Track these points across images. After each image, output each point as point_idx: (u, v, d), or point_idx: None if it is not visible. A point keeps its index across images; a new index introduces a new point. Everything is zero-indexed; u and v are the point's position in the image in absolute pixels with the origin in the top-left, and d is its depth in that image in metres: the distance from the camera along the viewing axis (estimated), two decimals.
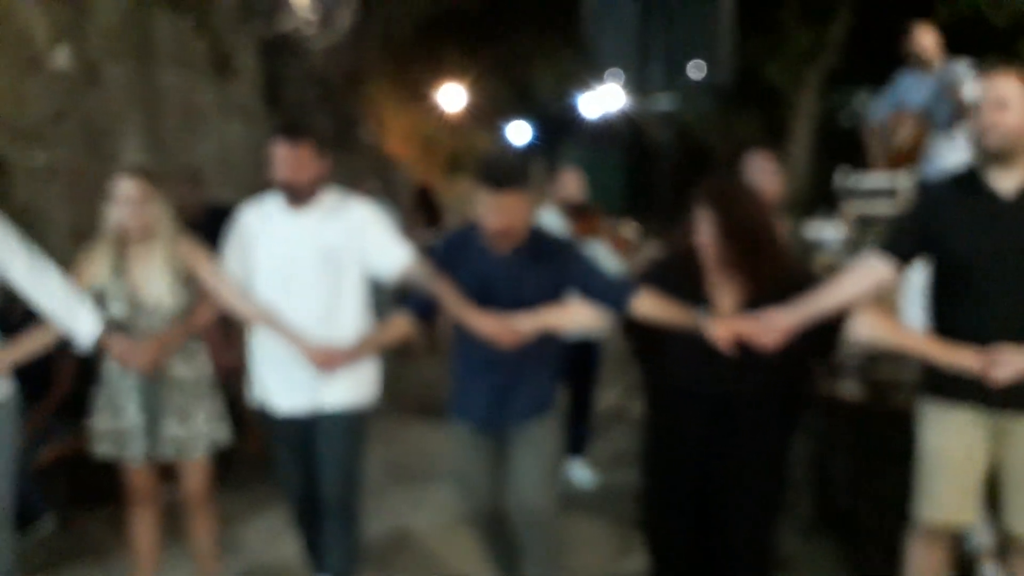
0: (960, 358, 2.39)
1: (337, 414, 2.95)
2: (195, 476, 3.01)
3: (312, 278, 2.86)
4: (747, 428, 2.63)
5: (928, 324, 2.59)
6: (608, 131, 19.05)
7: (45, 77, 6.14)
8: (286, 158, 2.79)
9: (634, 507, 4.14)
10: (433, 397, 6.20)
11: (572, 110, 17.54)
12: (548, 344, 2.81)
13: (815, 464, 4.14)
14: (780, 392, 2.67)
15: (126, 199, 2.81)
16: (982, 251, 2.42)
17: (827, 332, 2.58)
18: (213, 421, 3.01)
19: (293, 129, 2.88)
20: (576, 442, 4.59)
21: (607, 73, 4.58)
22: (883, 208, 5.09)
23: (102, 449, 2.92)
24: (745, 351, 2.48)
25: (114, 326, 2.82)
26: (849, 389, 3.65)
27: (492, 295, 2.70)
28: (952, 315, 2.50)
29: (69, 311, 2.71)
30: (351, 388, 2.97)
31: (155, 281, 2.85)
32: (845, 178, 5.28)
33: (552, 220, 4.54)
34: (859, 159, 5.41)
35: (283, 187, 2.84)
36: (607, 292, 2.73)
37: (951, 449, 2.48)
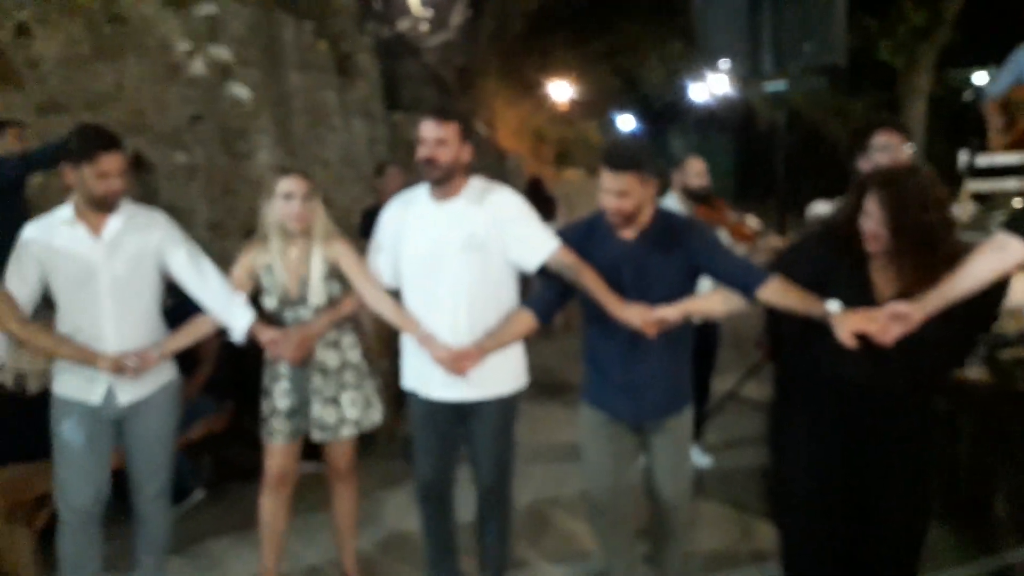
0: None
1: (489, 402, 2.88)
2: (340, 455, 3.08)
3: (458, 265, 2.76)
4: (897, 425, 2.39)
5: None
6: (717, 117, 18.55)
7: (183, 83, 6.42)
8: (431, 136, 2.71)
9: (750, 491, 4.03)
10: (554, 378, 6.19)
11: (681, 98, 17.15)
12: (684, 334, 2.72)
13: (940, 449, 3.89)
14: (929, 386, 2.44)
15: (290, 195, 2.87)
16: None
17: (981, 313, 2.35)
18: (359, 406, 3.04)
19: (441, 109, 2.81)
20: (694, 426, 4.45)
21: (717, 59, 4.43)
22: (1011, 185, 4.71)
23: (263, 430, 3.02)
24: (898, 343, 2.23)
25: (266, 318, 2.93)
26: (974, 372, 3.39)
27: (621, 281, 2.62)
28: None
29: (225, 304, 2.87)
30: (501, 377, 2.89)
31: (308, 276, 2.92)
32: (969, 156, 4.90)
33: (674, 207, 4.43)
34: (975, 137, 5.01)
35: (425, 166, 2.73)
36: (737, 274, 2.59)
37: None
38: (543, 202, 7.52)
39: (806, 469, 2.49)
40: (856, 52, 11.71)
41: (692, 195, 4.43)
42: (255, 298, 2.98)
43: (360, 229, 6.73)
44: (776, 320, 2.61)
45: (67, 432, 2.78)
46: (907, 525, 2.44)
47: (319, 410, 2.97)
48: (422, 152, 2.72)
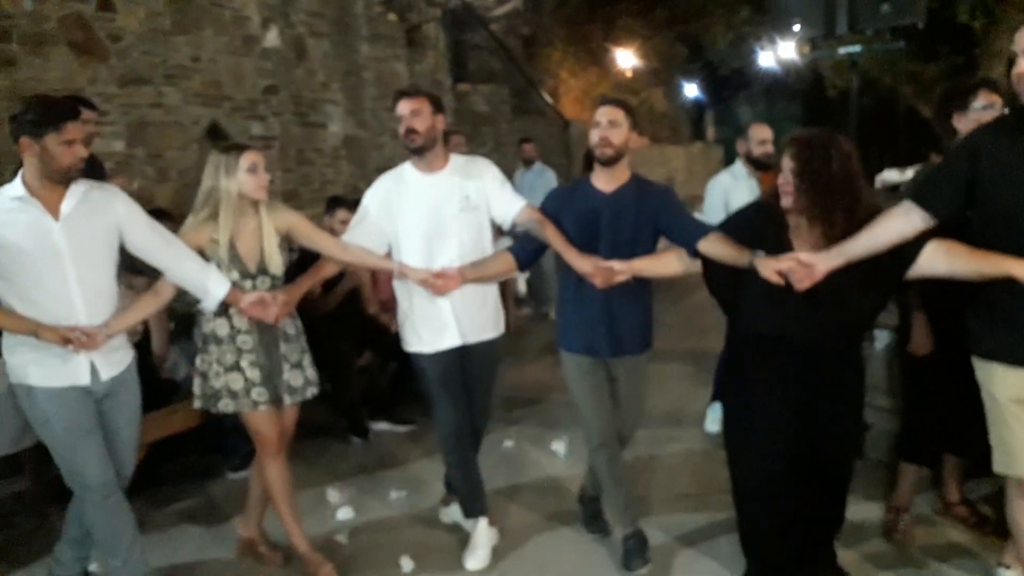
0: None
1: (481, 345, 3.15)
2: (289, 418, 3.09)
3: (458, 226, 3.05)
4: (832, 374, 2.60)
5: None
6: (785, 84, 17.92)
7: (258, 55, 6.46)
8: (407, 110, 2.98)
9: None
10: None
11: (747, 65, 16.61)
12: (642, 286, 3.00)
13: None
14: (854, 337, 2.67)
15: (254, 168, 2.86)
16: (1020, 189, 2.25)
17: (892, 273, 2.48)
18: (313, 368, 3.11)
19: (409, 88, 3.13)
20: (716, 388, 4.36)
21: (789, 22, 4.24)
22: None
23: (221, 405, 2.95)
24: (816, 293, 2.45)
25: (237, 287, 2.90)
26: None
27: (598, 226, 2.94)
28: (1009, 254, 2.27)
29: (200, 273, 2.81)
30: (488, 322, 3.18)
31: (264, 247, 2.91)
32: None
33: (740, 173, 4.29)
34: None
35: (406, 136, 2.99)
36: (684, 232, 2.89)
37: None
38: None
39: (757, 418, 2.67)
40: (934, 14, 11.13)
41: (756, 163, 4.28)
42: None
43: None
44: (714, 283, 2.82)
45: (68, 417, 2.64)
46: (841, 459, 2.72)
47: (288, 374, 3.00)
48: (401, 128, 3.00)
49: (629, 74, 14.36)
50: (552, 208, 3.08)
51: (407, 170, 3.12)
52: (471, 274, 3.04)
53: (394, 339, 4.64)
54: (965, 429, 2.84)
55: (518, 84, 10.67)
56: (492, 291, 3.22)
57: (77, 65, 5.02)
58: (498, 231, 3.45)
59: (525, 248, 3.13)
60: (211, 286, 2.81)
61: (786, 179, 2.51)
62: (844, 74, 10.97)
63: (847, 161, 2.47)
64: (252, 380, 2.94)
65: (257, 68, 6.43)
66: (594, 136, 2.93)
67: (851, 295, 2.48)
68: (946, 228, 2.40)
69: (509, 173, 7.72)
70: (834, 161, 2.45)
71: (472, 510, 3.25)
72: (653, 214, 2.95)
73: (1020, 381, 2.35)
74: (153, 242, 2.77)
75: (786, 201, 2.53)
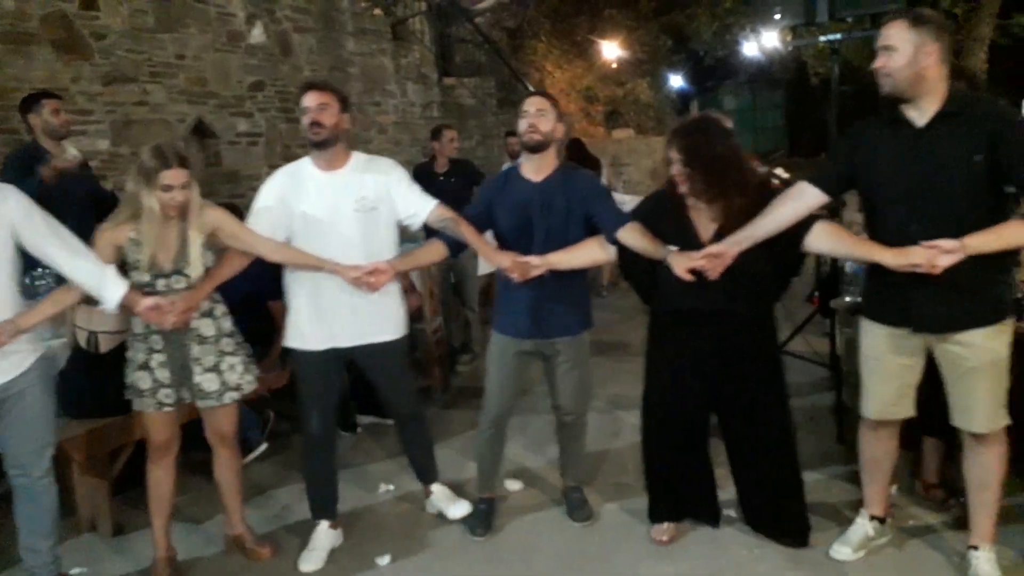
0: (910, 256, 2.44)
1: (375, 347, 3.09)
2: (222, 420, 3.02)
3: (352, 226, 2.97)
4: (744, 341, 2.86)
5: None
6: (768, 73, 17.92)
7: (243, 51, 6.40)
8: (314, 103, 2.91)
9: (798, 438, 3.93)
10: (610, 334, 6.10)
11: (731, 54, 16.58)
12: (575, 275, 3.07)
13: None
14: (762, 306, 2.90)
15: (169, 188, 2.72)
16: (896, 175, 2.52)
17: (789, 248, 2.74)
18: (239, 371, 2.98)
19: (318, 82, 3.04)
20: None
21: (770, 10, 4.22)
22: None
23: (134, 403, 2.91)
24: (729, 272, 2.67)
25: (140, 289, 2.78)
26: None
27: (531, 216, 3.00)
28: (881, 238, 2.58)
29: (97, 274, 2.70)
30: (385, 325, 3.11)
31: (186, 248, 2.81)
32: None
33: None
34: None
35: (311, 129, 2.91)
36: (606, 221, 2.96)
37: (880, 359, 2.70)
38: (586, 162, 7.42)
39: (674, 387, 2.94)
40: (914, 1, 11.13)
41: None
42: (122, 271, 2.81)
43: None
44: (627, 267, 3.01)
45: None
46: (768, 419, 2.95)
47: (200, 378, 2.90)
48: (306, 119, 2.92)
49: (614, 65, 14.31)
50: (485, 200, 3.15)
51: (305, 166, 3.04)
52: (402, 266, 3.07)
53: None
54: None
55: (504, 77, 10.62)
56: (393, 293, 3.13)
57: (60, 64, 4.97)
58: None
59: (454, 235, 3.12)
60: (107, 288, 2.70)
61: (678, 170, 2.75)
62: (826, 62, 11.00)
63: (727, 139, 2.77)
64: (161, 380, 2.86)
65: (242, 64, 6.38)
66: (523, 124, 2.98)
67: (755, 268, 2.72)
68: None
69: (496, 166, 7.73)
70: (716, 143, 2.73)
71: (317, 513, 3.22)
72: (581, 201, 3.01)
73: (877, 339, 2.69)
74: (48, 241, 2.63)
75: (683, 188, 2.77)
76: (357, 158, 3.07)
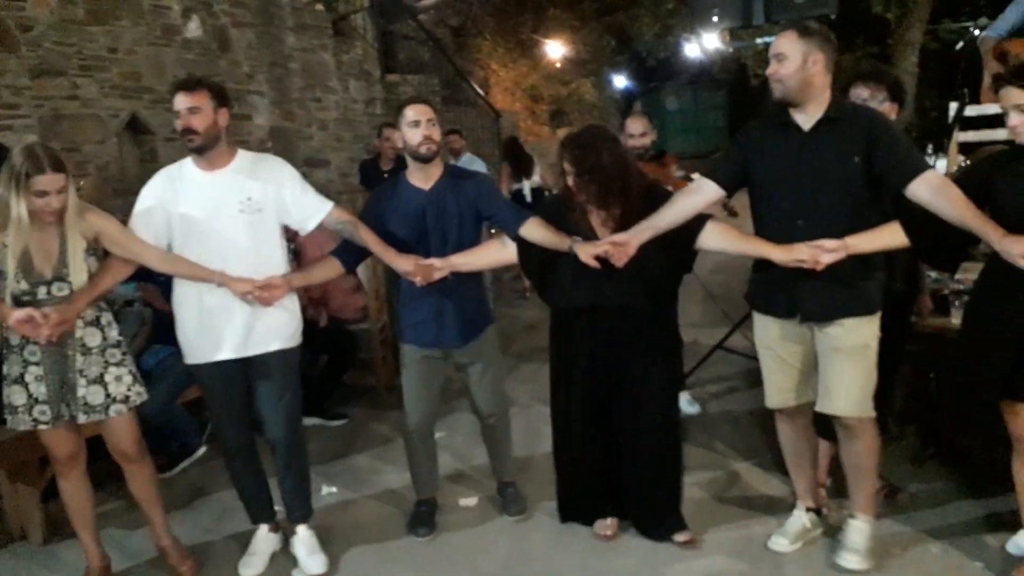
0: (796, 253, 2.61)
1: (267, 356, 2.93)
2: (121, 436, 2.87)
3: (236, 230, 2.83)
4: (643, 334, 2.97)
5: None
6: (710, 74, 18.23)
7: (179, 45, 6.26)
8: (184, 106, 2.72)
9: (736, 437, 4.03)
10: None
11: (674, 55, 16.83)
12: (471, 276, 3.10)
13: (924, 395, 3.87)
14: (659, 300, 3.02)
15: (44, 193, 2.57)
16: (784, 174, 2.69)
17: (682, 247, 2.88)
18: (126, 383, 2.83)
19: (188, 80, 2.83)
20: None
21: (708, 13, 4.32)
22: (999, 135, 4.59)
23: (9, 422, 2.78)
24: (622, 269, 2.78)
25: (15, 300, 2.65)
26: (956, 322, 3.34)
27: (425, 225, 3.01)
28: (768, 231, 2.75)
29: None
30: (280, 333, 2.95)
31: (66, 255, 2.67)
32: (959, 108, 4.76)
33: None
34: (965, 89, 4.85)
35: (184, 136, 2.76)
36: (506, 216, 3.03)
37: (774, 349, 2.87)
38: (521, 160, 7.49)
39: (576, 382, 3.03)
40: (848, 5, 11.42)
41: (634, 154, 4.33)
42: None
43: (361, 181, 6.68)
44: (537, 264, 3.03)
45: None
46: (662, 409, 3.05)
47: (84, 391, 2.75)
48: (178, 124, 2.77)
49: (558, 65, 14.40)
50: (375, 211, 3.09)
51: (186, 166, 2.88)
52: (298, 282, 2.99)
53: (324, 333, 4.61)
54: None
55: (448, 75, 10.59)
56: (290, 300, 2.99)
57: None
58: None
59: (351, 249, 3.05)
60: None
61: (574, 181, 2.88)
62: (765, 63, 11.18)
63: (615, 147, 2.92)
64: (36, 396, 2.71)
65: (178, 59, 6.23)
66: (416, 135, 2.96)
67: (650, 264, 2.82)
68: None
69: None
70: (604, 153, 2.85)
71: (254, 518, 3.19)
72: (473, 203, 3.04)
73: (768, 330, 2.86)
74: None
75: (579, 197, 2.90)
76: (242, 157, 2.91)
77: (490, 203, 3.07)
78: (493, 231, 3.20)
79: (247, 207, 2.84)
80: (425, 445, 3.30)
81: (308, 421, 4.53)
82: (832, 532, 3.06)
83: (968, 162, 4.55)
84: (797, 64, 2.60)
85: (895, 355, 3.12)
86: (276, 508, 3.25)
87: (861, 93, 3.10)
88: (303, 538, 3.11)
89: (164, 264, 2.86)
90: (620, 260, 2.77)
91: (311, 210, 2.95)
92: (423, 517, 3.31)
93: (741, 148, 2.86)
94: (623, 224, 2.87)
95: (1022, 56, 4.71)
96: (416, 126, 2.95)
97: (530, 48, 14.18)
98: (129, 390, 2.84)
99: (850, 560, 2.83)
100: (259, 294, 2.81)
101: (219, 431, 3.07)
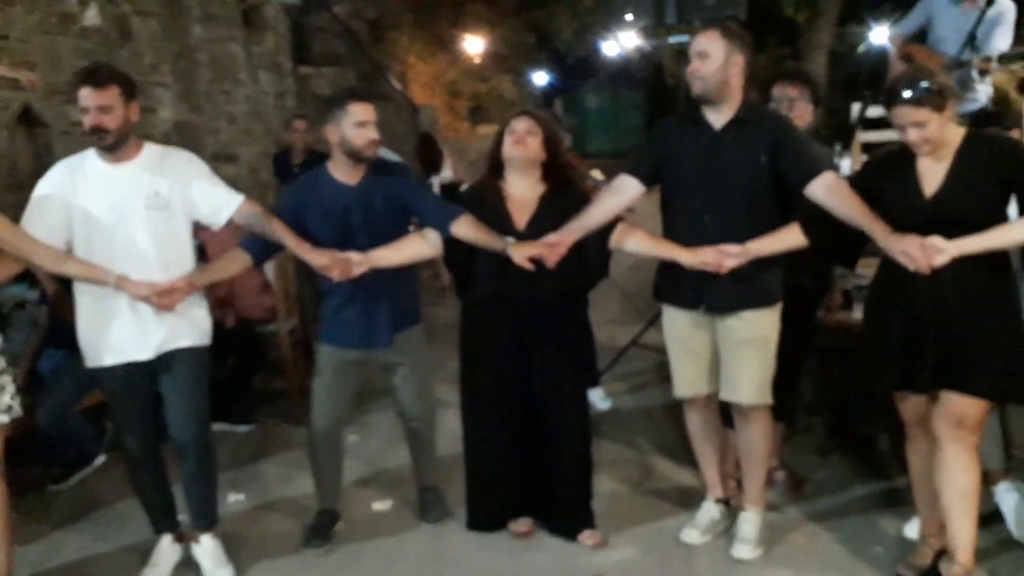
0: (702, 256, 2.74)
1: (180, 354, 2.84)
2: None
3: (144, 225, 2.73)
4: (555, 326, 3.00)
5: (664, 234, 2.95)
6: (628, 73, 18.52)
7: (77, 34, 5.99)
8: (93, 104, 2.61)
9: (648, 432, 4.11)
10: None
11: (593, 53, 17.03)
12: (402, 270, 3.00)
13: (831, 387, 4.02)
14: (570, 296, 3.07)
15: None
16: (694, 170, 2.79)
17: (597, 246, 2.95)
18: (9, 392, 2.65)
19: (96, 75, 2.64)
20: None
21: (623, 13, 4.41)
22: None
23: None
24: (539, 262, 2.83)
25: None
26: (858, 316, 3.50)
27: (351, 222, 2.89)
28: (677, 225, 2.87)
29: None
30: (188, 330, 2.87)
31: None
32: (861, 108, 4.98)
33: None
34: (868, 91, 5.08)
35: (93, 134, 2.66)
36: (435, 214, 2.97)
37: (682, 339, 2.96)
38: (432, 155, 7.52)
39: (487, 372, 3.05)
40: (760, 7, 11.79)
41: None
42: None
43: (274, 173, 6.54)
44: (462, 260, 3.02)
45: None
46: (572, 401, 3.08)
47: None
48: (86, 121, 2.66)
49: (477, 61, 14.39)
50: (293, 206, 2.97)
51: (89, 158, 2.76)
52: (202, 280, 2.87)
53: (230, 335, 4.48)
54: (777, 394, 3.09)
55: (365, 68, 10.45)
56: (199, 297, 2.92)
57: None
58: None
59: (257, 241, 2.92)
60: None
61: (520, 135, 2.92)
62: (679, 63, 11.43)
63: (559, 143, 3.04)
64: None
65: (75, 49, 5.95)
66: (362, 136, 2.84)
67: (568, 260, 2.85)
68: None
69: None
70: (557, 134, 2.98)
71: (157, 527, 3.06)
72: (400, 198, 2.96)
73: (677, 321, 2.96)
74: None
75: (518, 151, 2.92)
76: (149, 150, 2.80)
77: (418, 198, 3.02)
78: (412, 228, 3.14)
79: (155, 203, 2.74)
80: (331, 452, 3.21)
81: (215, 426, 4.34)
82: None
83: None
84: (719, 63, 2.69)
85: (801, 349, 3.26)
86: (180, 517, 3.15)
87: (789, 92, 3.22)
88: (208, 547, 3.02)
89: (56, 264, 2.71)
90: (552, 260, 2.80)
91: (221, 204, 2.84)
92: (320, 528, 3.20)
93: (656, 144, 2.95)
94: (541, 212, 2.93)
95: (926, 63, 4.95)
96: (362, 127, 2.83)
97: (449, 43, 14.11)
98: (12, 400, 2.63)
99: (742, 550, 2.95)
100: (158, 301, 2.68)
101: (122, 436, 2.95)
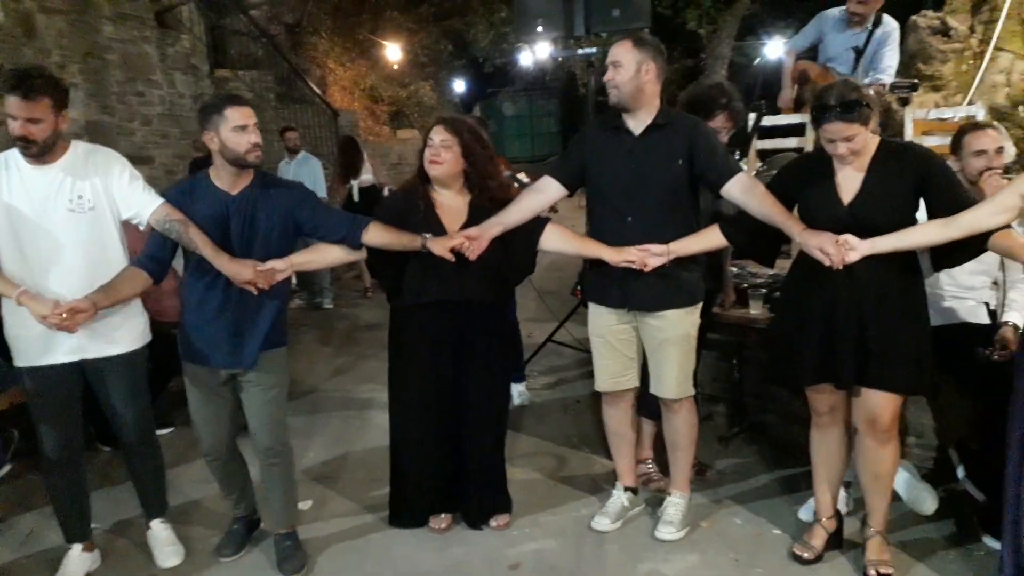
0: (626, 255, 2.80)
1: (104, 361, 2.75)
2: None
3: (67, 228, 2.62)
4: (483, 325, 3.00)
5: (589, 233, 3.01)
6: (543, 81, 18.73)
7: None
8: (23, 115, 2.48)
9: (564, 424, 4.16)
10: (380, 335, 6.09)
11: (510, 62, 17.14)
12: (283, 285, 2.82)
13: (730, 379, 4.16)
14: (501, 295, 3.07)
15: None
16: (616, 174, 2.85)
17: (526, 245, 2.97)
18: None
19: (27, 85, 2.48)
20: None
21: (534, 23, 4.45)
22: (791, 143, 5.02)
23: None
24: (467, 263, 2.83)
25: None
26: (756, 309, 3.65)
27: (228, 233, 2.69)
28: (602, 226, 2.92)
29: None
30: (118, 336, 2.77)
31: None
32: (756, 118, 5.15)
33: None
34: (762, 101, 5.26)
35: (19, 143, 2.54)
36: (340, 228, 2.82)
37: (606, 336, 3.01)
38: (353, 157, 7.44)
39: (416, 375, 3.01)
40: (665, 20, 12.09)
41: None
42: None
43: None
44: (389, 265, 2.96)
45: None
46: (491, 403, 3.09)
47: None
48: (14, 129, 2.51)
49: (396, 67, 14.29)
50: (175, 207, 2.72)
51: (14, 156, 2.61)
52: (105, 301, 2.61)
53: None
54: None
55: (283, 72, 10.24)
56: (131, 302, 2.80)
57: None
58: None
59: (157, 256, 2.74)
60: None
61: (435, 149, 2.89)
62: (591, 73, 11.61)
63: (483, 138, 3.03)
64: None
65: None
66: (243, 141, 2.64)
67: (491, 261, 2.87)
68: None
69: (275, 162, 7.44)
70: (478, 137, 2.96)
71: (68, 536, 2.93)
72: (287, 215, 2.75)
73: (601, 318, 3.01)
74: None
75: (435, 169, 2.90)
76: (75, 150, 2.66)
77: (316, 216, 2.79)
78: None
79: (78, 206, 2.63)
80: (229, 466, 3.00)
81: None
82: (651, 509, 3.23)
83: (764, 167, 4.93)
84: (632, 71, 2.75)
85: (700, 344, 3.36)
86: (94, 526, 3.04)
87: (729, 127, 3.26)
88: (157, 531, 3.05)
89: None
90: (474, 253, 2.81)
91: (139, 205, 2.70)
92: (234, 535, 3.09)
93: (579, 149, 2.99)
94: (473, 219, 2.91)
95: (818, 81, 5.17)
96: (243, 131, 2.63)
97: (368, 48, 13.98)
98: None
99: (666, 532, 3.04)
100: (58, 323, 2.50)
101: (42, 440, 2.79)
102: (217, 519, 3.29)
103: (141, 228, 2.78)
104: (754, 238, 2.81)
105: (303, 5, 12.14)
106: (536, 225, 2.97)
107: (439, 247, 2.79)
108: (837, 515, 2.92)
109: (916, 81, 5.06)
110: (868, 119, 2.48)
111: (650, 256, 2.79)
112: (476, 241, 2.81)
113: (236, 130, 2.63)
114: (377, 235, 2.82)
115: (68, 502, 2.91)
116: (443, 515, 3.17)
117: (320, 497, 3.50)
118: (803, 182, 2.69)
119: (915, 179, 2.51)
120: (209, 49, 8.76)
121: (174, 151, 7.72)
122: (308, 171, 7.01)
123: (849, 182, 2.57)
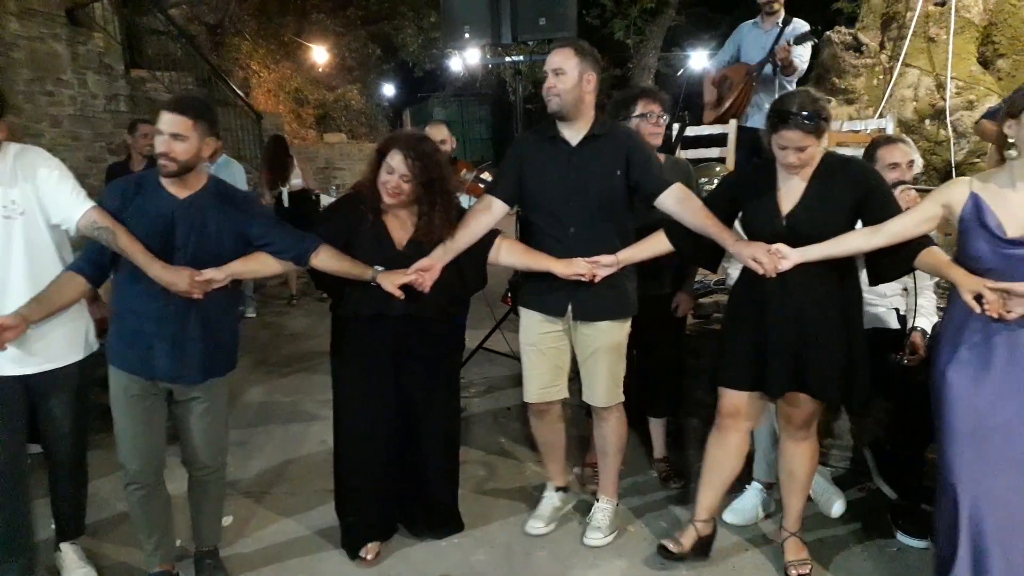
0: (575, 267, 2.78)
1: (46, 375, 2.64)
2: None
3: (2, 240, 2.51)
4: (428, 342, 2.93)
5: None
6: (474, 87, 18.71)
7: None
8: None
9: (498, 431, 4.16)
10: (308, 344, 5.99)
11: (440, 67, 17.08)
12: (232, 296, 2.74)
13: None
14: (449, 310, 3.00)
15: None
16: (556, 185, 2.84)
17: (477, 260, 2.92)
18: None
19: None
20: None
21: (461, 29, 4.44)
22: (713, 153, 5.16)
23: None
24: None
25: None
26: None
27: (172, 237, 2.55)
28: (542, 237, 2.89)
29: None
30: (59, 348, 2.66)
31: None
32: (680, 128, 5.28)
33: None
34: (686, 111, 5.40)
35: None
36: (290, 247, 2.72)
37: (537, 344, 3.00)
38: (282, 159, 7.29)
39: (360, 389, 2.91)
40: (592, 29, 12.27)
41: None
42: None
43: (108, 182, 6.07)
44: (330, 284, 2.91)
45: None
46: (441, 417, 3.04)
47: None
48: None
49: (323, 69, 14.10)
50: (112, 210, 2.55)
51: None
52: (37, 314, 2.49)
53: None
54: (657, 391, 3.36)
55: (203, 73, 9.97)
56: (73, 310, 2.68)
57: None
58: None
59: (95, 261, 2.59)
60: None
61: (395, 181, 2.76)
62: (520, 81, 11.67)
63: (442, 156, 2.92)
64: None
65: None
66: (159, 144, 2.49)
67: (448, 277, 2.83)
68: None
69: None
70: (440, 162, 2.84)
71: (4, 556, 2.69)
72: (239, 226, 2.64)
73: (534, 327, 2.99)
74: None
75: (391, 200, 2.79)
76: (5, 152, 2.53)
77: (266, 233, 2.68)
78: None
79: (11, 211, 2.51)
80: (156, 498, 2.73)
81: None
82: (583, 510, 3.27)
83: None
84: (574, 80, 2.74)
85: (677, 350, 3.57)
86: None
87: (654, 109, 3.27)
88: (67, 554, 2.92)
89: None
90: (426, 285, 2.76)
91: (68, 210, 2.54)
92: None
93: (515, 162, 2.94)
94: (421, 232, 2.83)
95: (733, 76, 5.33)
96: (159, 134, 2.49)
97: (293, 51, 13.75)
98: None
99: (594, 538, 3.07)
100: None
101: None
102: (132, 533, 3.16)
103: (71, 234, 2.62)
104: (699, 243, 2.80)
105: (225, 5, 11.87)
106: (487, 240, 2.92)
107: (389, 283, 2.73)
108: (713, 524, 2.95)
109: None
110: (823, 133, 2.52)
111: (600, 267, 2.79)
112: (428, 272, 2.77)
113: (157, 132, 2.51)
114: (327, 260, 2.75)
115: (8, 518, 2.66)
116: (371, 544, 3.03)
117: (244, 512, 3.41)
118: (747, 191, 2.72)
119: (855, 195, 2.54)
120: (124, 48, 8.47)
121: (86, 154, 7.43)
122: (229, 176, 6.77)
123: (790, 193, 2.61)
